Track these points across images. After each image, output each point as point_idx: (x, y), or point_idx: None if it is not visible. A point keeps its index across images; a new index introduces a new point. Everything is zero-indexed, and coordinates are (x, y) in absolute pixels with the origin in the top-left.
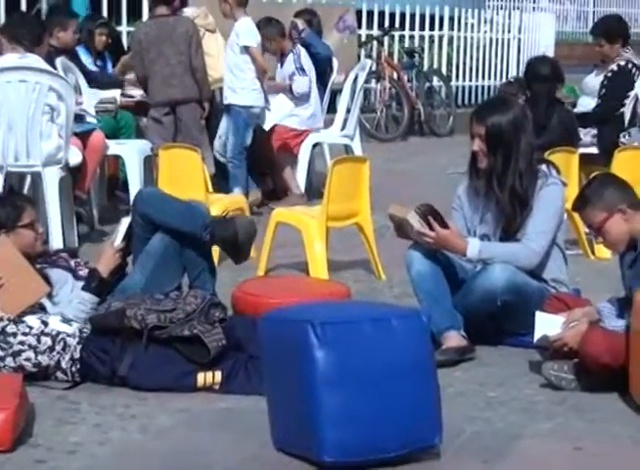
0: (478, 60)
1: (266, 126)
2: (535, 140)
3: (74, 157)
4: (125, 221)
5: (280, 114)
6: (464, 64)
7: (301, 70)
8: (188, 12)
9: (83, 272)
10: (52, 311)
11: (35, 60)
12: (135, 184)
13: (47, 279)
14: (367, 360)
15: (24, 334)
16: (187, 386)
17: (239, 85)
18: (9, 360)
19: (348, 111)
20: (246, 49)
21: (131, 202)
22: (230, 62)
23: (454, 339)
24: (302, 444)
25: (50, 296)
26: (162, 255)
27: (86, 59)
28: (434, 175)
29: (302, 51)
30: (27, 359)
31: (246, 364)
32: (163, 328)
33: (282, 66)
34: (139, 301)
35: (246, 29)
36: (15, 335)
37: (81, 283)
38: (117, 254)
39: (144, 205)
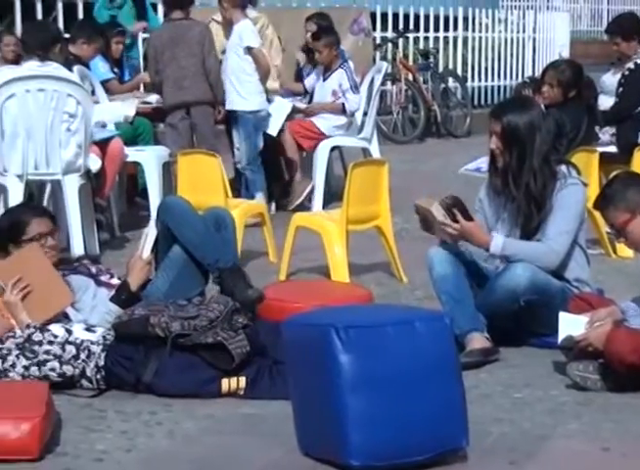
0: (493, 60)
1: (272, 131)
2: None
3: (94, 164)
4: (152, 233)
5: (281, 115)
6: (479, 64)
7: (355, 87)
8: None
9: (105, 278)
10: (75, 318)
11: (55, 68)
12: (154, 190)
13: (69, 286)
14: (392, 364)
15: (50, 342)
16: (212, 392)
17: (245, 90)
18: (34, 370)
19: (365, 114)
20: (249, 50)
21: (152, 208)
22: (234, 66)
23: (478, 341)
24: (329, 448)
25: (72, 303)
26: (185, 261)
27: (103, 66)
28: (451, 176)
29: (352, 67)
30: (52, 369)
31: (270, 369)
32: (187, 335)
33: (325, 79)
34: (162, 307)
35: (247, 31)
36: (40, 343)
37: (103, 289)
38: (147, 266)
39: (165, 215)
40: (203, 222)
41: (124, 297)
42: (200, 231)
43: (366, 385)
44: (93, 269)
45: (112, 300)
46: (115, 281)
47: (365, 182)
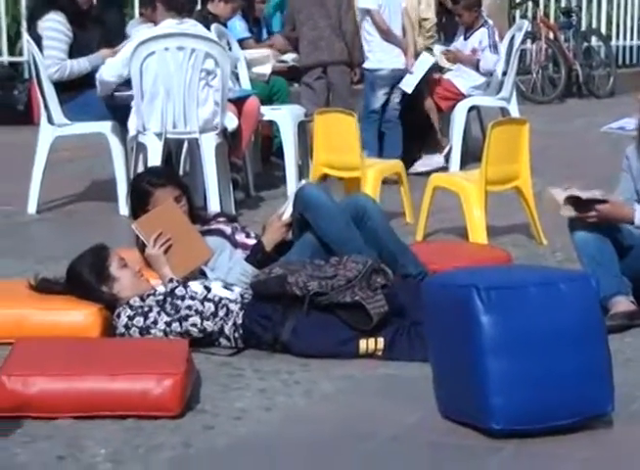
0: (639, 18)
1: (407, 88)
2: None
3: (230, 123)
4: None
5: (421, 71)
6: (624, 22)
7: (494, 47)
8: None
9: (240, 237)
10: (211, 278)
11: (192, 25)
12: (290, 150)
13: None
14: (535, 326)
15: (191, 298)
16: (349, 352)
17: (366, 48)
18: (175, 326)
19: (504, 73)
20: (367, 12)
21: (287, 168)
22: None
23: (623, 304)
24: (469, 411)
25: (207, 263)
26: (317, 250)
27: (240, 25)
28: (594, 137)
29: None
30: (194, 325)
31: (409, 330)
32: (325, 294)
33: (466, 38)
34: (300, 267)
35: None
36: (183, 298)
37: (239, 250)
38: (284, 228)
39: (301, 206)
40: (343, 216)
41: (259, 257)
42: (340, 227)
43: (508, 347)
44: (228, 230)
45: (247, 260)
46: (251, 240)
47: (505, 142)
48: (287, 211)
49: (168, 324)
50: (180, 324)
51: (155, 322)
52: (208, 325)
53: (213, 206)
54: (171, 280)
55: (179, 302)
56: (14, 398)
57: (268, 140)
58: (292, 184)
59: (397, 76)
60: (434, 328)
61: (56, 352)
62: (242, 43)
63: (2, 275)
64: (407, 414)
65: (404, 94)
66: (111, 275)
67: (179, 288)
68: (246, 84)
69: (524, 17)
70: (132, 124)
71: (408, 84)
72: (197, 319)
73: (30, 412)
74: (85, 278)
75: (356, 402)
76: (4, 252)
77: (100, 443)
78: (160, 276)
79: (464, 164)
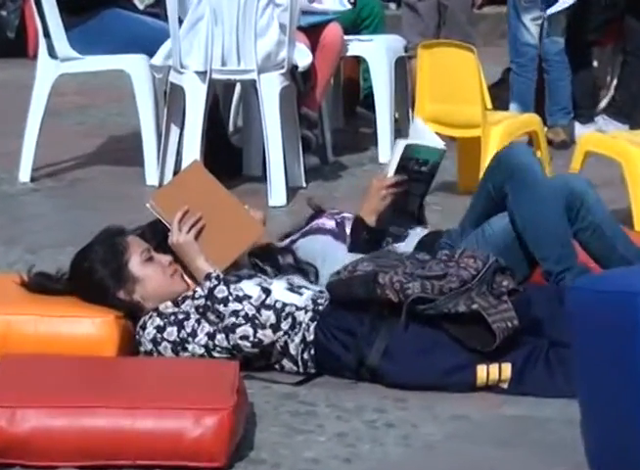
0: None
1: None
2: None
3: (302, 58)
4: (401, 145)
5: None
6: None
7: None
8: None
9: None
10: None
11: None
12: (383, 98)
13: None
14: None
15: (238, 299)
16: (463, 383)
17: None
18: (220, 338)
19: None
20: None
21: (379, 122)
22: None
23: None
24: (633, 465)
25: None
26: (512, 243)
27: None
28: None
29: None
30: (245, 337)
31: (547, 354)
32: (430, 301)
33: None
34: (396, 262)
35: None
36: (226, 302)
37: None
38: (388, 190)
39: (507, 176)
40: (558, 203)
41: (365, 237)
42: (554, 219)
43: None
44: (330, 223)
45: (351, 250)
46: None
47: None
48: (391, 165)
49: (211, 336)
50: (226, 336)
51: (193, 334)
52: (266, 335)
53: (275, 176)
54: (209, 276)
55: (221, 307)
56: None
57: (354, 84)
58: (385, 145)
59: None
60: (585, 351)
61: (55, 376)
62: None
63: None
64: None
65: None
66: (132, 274)
67: (220, 287)
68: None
69: None
70: (160, 58)
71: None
72: (248, 329)
73: (20, 459)
74: (97, 279)
75: (473, 454)
76: None
77: None
78: (193, 271)
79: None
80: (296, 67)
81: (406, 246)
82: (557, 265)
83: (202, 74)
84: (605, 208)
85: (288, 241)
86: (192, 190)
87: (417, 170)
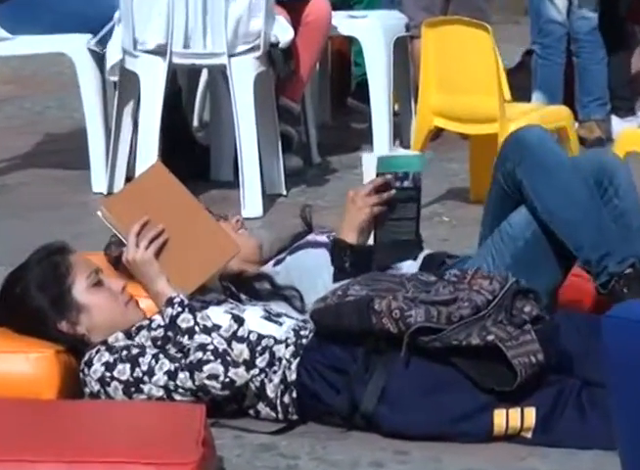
0: None
1: None
2: None
3: (282, 35)
4: (371, 158)
5: None
6: None
7: None
8: None
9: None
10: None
11: None
12: (379, 86)
13: None
14: None
15: (206, 330)
16: (476, 432)
17: None
18: (183, 378)
19: None
20: None
21: (374, 114)
22: None
23: None
24: None
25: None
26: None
27: None
28: None
29: None
30: (213, 376)
31: (578, 396)
32: (436, 331)
33: None
34: (394, 285)
35: None
36: (191, 333)
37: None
38: (366, 199)
39: (518, 155)
40: (586, 183)
41: (349, 260)
42: (584, 199)
43: None
44: (322, 237)
45: (335, 276)
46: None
47: None
48: (367, 174)
49: (172, 375)
50: (191, 375)
51: (150, 372)
52: (238, 374)
53: (249, 181)
54: (171, 301)
55: (186, 339)
56: None
57: (344, 70)
58: (382, 144)
59: None
60: (623, 391)
61: None
62: None
63: None
64: None
65: None
66: (76, 302)
67: (184, 315)
68: None
69: None
70: (115, 44)
71: None
72: (217, 367)
73: None
74: (33, 307)
75: None
76: None
77: None
78: (151, 296)
79: None
80: (274, 45)
81: (409, 266)
82: (595, 252)
83: (160, 56)
84: (638, 197)
85: (272, 263)
86: (152, 197)
87: (399, 188)
